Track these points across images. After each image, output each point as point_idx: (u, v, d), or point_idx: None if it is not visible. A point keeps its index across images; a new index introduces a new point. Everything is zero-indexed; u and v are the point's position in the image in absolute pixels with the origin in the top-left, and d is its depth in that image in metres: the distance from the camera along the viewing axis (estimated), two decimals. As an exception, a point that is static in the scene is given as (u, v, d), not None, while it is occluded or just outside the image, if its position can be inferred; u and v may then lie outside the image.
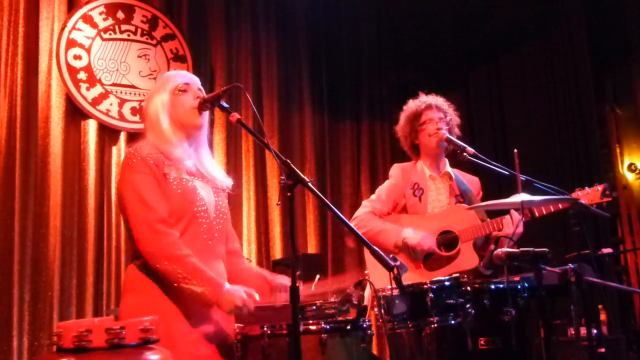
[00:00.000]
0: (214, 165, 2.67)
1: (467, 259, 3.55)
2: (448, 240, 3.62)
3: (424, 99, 3.86)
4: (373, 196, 3.88)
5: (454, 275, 3.15)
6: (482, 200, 3.85)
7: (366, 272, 3.56)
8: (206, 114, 2.61)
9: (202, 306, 2.40)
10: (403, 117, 3.92)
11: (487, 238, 3.67)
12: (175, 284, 2.32)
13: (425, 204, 3.74)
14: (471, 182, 3.86)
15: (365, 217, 3.74)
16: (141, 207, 2.36)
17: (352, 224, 3.69)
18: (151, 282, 2.38)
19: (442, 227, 3.63)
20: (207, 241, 2.48)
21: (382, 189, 3.87)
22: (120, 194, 2.47)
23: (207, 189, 2.56)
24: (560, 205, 3.39)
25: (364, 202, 3.87)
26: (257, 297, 2.44)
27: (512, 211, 3.50)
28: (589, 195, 3.36)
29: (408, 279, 3.42)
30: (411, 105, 3.89)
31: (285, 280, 2.68)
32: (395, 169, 3.90)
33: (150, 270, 2.36)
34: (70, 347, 1.71)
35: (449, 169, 3.85)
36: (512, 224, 3.48)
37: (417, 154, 3.90)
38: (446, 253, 3.60)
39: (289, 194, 2.30)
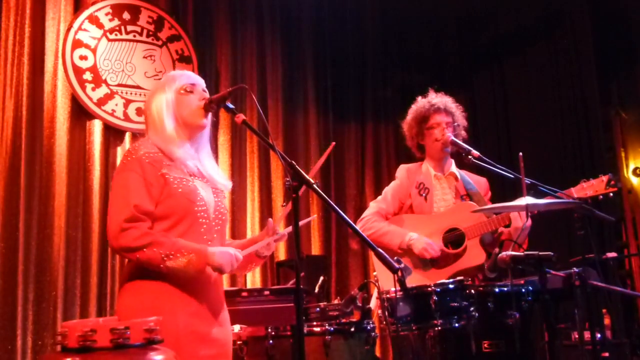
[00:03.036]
0: (214, 166, 2.66)
1: (474, 255, 3.55)
2: (454, 237, 3.63)
3: (434, 101, 3.84)
4: (379, 197, 3.89)
5: (458, 278, 3.16)
6: (490, 201, 3.85)
7: (374, 273, 3.56)
8: (209, 115, 2.61)
9: (194, 277, 2.36)
10: (411, 115, 3.91)
11: (494, 234, 3.68)
12: (161, 266, 2.29)
13: (431, 204, 3.75)
14: (478, 183, 3.86)
15: (371, 218, 3.75)
16: (118, 204, 2.36)
17: (358, 225, 3.73)
18: (150, 281, 2.37)
19: (448, 225, 3.64)
20: (207, 242, 2.47)
21: (388, 189, 3.89)
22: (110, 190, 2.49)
23: (207, 189, 2.55)
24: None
25: (371, 204, 3.89)
26: (239, 254, 2.42)
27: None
28: (593, 186, 3.36)
29: (415, 277, 3.44)
30: (420, 105, 3.87)
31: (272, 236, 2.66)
32: (401, 170, 3.92)
33: (147, 269, 2.35)
34: (75, 347, 1.71)
35: (454, 169, 3.86)
36: (520, 217, 3.47)
37: (422, 152, 3.91)
38: (453, 250, 3.60)
39: (294, 195, 2.30)
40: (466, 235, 3.58)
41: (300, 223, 2.30)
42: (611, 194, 3.32)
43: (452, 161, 3.89)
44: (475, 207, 3.57)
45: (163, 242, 2.31)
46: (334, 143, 2.88)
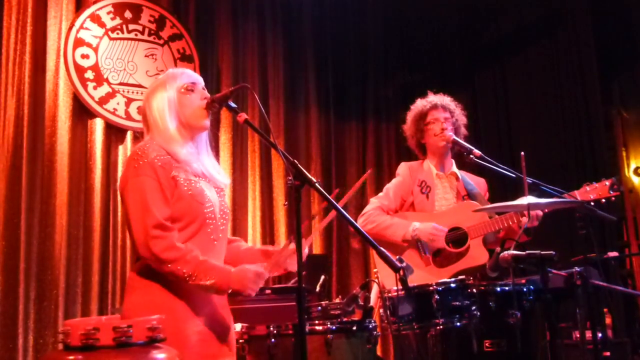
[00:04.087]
0: (214, 164, 2.64)
1: (477, 255, 3.56)
2: (457, 236, 3.63)
3: (431, 99, 3.88)
4: (381, 193, 3.90)
5: (460, 277, 3.16)
6: (488, 202, 3.86)
7: (375, 270, 3.57)
8: (210, 115, 2.59)
9: (215, 295, 2.39)
10: (410, 116, 3.95)
11: (498, 234, 3.68)
12: (184, 284, 2.31)
13: (432, 202, 3.75)
14: (478, 184, 3.87)
15: (373, 212, 3.76)
16: (140, 211, 2.33)
17: (360, 220, 3.74)
18: (156, 281, 2.36)
19: (450, 224, 3.65)
20: (214, 242, 2.47)
21: (390, 186, 3.89)
22: (122, 195, 2.44)
23: (211, 189, 2.54)
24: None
25: (372, 200, 3.90)
26: (263, 271, 2.41)
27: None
28: (597, 190, 3.37)
29: (417, 276, 3.44)
30: (418, 104, 3.93)
31: (290, 244, 2.66)
32: (403, 167, 3.92)
33: (155, 269, 2.35)
34: (77, 345, 1.71)
35: (455, 169, 3.86)
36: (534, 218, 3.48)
37: (424, 153, 3.92)
38: (456, 249, 3.60)
39: (295, 194, 2.30)
40: (469, 235, 3.59)
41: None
42: (613, 198, 3.33)
43: (453, 161, 3.90)
44: (478, 207, 3.57)
45: (189, 262, 2.29)
46: (370, 170, 2.83)
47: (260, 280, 2.39)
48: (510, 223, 3.53)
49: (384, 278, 3.42)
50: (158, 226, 2.30)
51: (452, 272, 3.54)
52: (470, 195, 3.76)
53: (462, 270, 3.51)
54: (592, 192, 3.37)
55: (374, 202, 3.83)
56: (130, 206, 2.37)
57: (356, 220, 3.78)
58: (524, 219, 3.46)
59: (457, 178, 3.84)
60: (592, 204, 3.32)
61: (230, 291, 2.35)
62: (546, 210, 3.44)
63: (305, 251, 2.48)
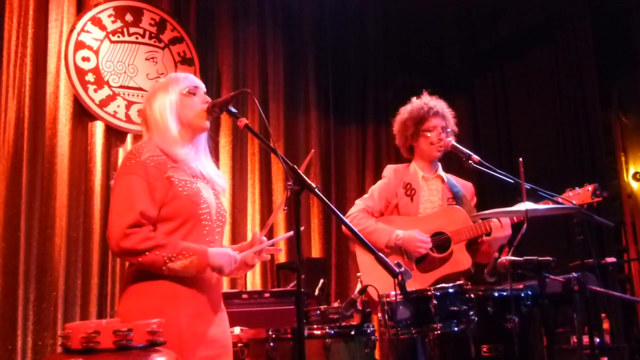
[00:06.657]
0: (213, 167, 2.67)
1: (460, 260, 3.55)
2: (440, 241, 3.63)
3: (432, 104, 3.83)
4: (366, 195, 3.89)
5: (458, 282, 3.17)
6: (478, 206, 3.85)
7: (358, 274, 3.57)
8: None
9: (196, 275, 2.39)
10: (407, 115, 3.87)
11: (475, 239, 3.66)
12: (163, 268, 2.31)
13: (417, 205, 3.74)
14: (465, 187, 3.86)
15: (357, 215, 3.74)
16: (122, 207, 2.35)
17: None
18: (152, 282, 2.37)
19: (434, 229, 3.64)
20: (210, 243, 2.48)
21: (375, 188, 3.89)
22: (112, 191, 2.48)
23: (209, 191, 2.55)
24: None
25: (357, 201, 3.88)
26: (238, 255, 2.48)
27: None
28: (579, 195, 3.35)
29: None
30: (417, 106, 3.84)
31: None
32: (389, 169, 3.92)
33: (150, 272, 2.36)
34: (78, 348, 1.72)
35: (441, 172, 3.86)
36: (502, 227, 3.48)
37: (412, 154, 3.90)
38: (439, 255, 3.60)
39: (294, 199, 2.32)
40: (452, 240, 3.58)
41: (279, 238, 2.33)
42: (595, 204, 3.31)
43: (439, 164, 3.89)
44: (462, 211, 3.58)
45: (165, 245, 2.32)
46: (313, 150, 2.95)
47: (234, 263, 2.45)
48: (490, 229, 3.53)
49: (367, 282, 3.41)
50: (134, 225, 2.32)
51: (435, 277, 3.54)
52: (455, 198, 3.75)
53: (446, 276, 3.51)
54: (574, 197, 3.35)
55: (358, 204, 3.82)
56: (115, 201, 2.41)
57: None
58: (496, 224, 3.48)
59: (442, 181, 3.83)
60: (586, 207, 3.31)
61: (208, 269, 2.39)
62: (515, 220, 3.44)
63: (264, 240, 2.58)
